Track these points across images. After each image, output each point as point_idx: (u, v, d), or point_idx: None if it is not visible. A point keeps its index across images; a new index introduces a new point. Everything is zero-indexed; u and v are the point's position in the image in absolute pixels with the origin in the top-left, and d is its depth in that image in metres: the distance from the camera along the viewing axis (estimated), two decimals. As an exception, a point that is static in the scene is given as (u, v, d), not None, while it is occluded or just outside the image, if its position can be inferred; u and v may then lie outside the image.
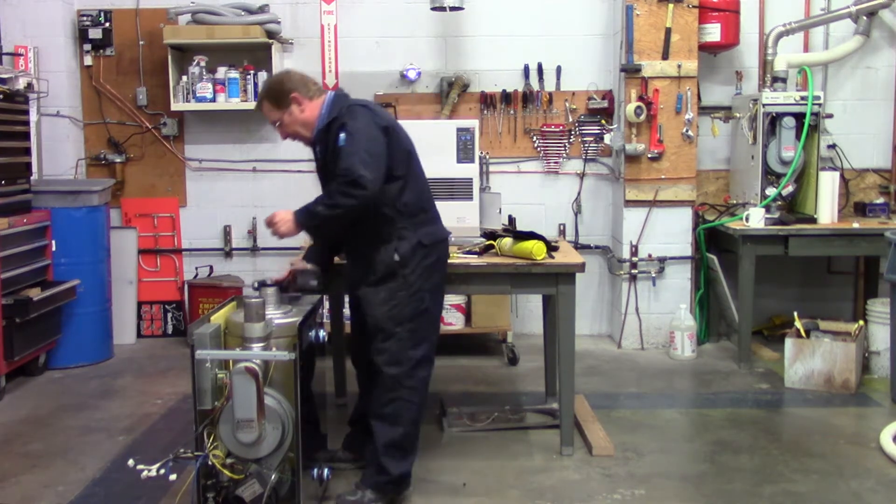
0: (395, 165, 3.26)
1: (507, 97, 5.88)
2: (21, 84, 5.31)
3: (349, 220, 3.24)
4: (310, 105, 3.32)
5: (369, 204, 3.16)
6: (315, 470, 3.23)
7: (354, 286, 3.45)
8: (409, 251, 3.27)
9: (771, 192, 5.31)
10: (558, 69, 5.90)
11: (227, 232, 6.06)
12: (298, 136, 3.40)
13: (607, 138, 5.81)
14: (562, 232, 5.93)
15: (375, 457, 3.29)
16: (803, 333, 4.95)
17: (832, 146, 5.79)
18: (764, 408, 4.58)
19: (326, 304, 5.06)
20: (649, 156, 5.59)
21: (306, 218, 3.25)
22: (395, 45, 5.92)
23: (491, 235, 4.08)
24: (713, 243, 5.64)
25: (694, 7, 5.51)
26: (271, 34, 5.67)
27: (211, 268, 6.01)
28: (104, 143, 6.00)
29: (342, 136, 3.16)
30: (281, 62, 5.85)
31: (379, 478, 3.29)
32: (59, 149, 5.78)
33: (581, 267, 3.78)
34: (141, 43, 5.91)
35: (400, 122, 3.49)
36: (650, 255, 5.68)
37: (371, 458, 3.33)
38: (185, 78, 5.73)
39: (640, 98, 5.53)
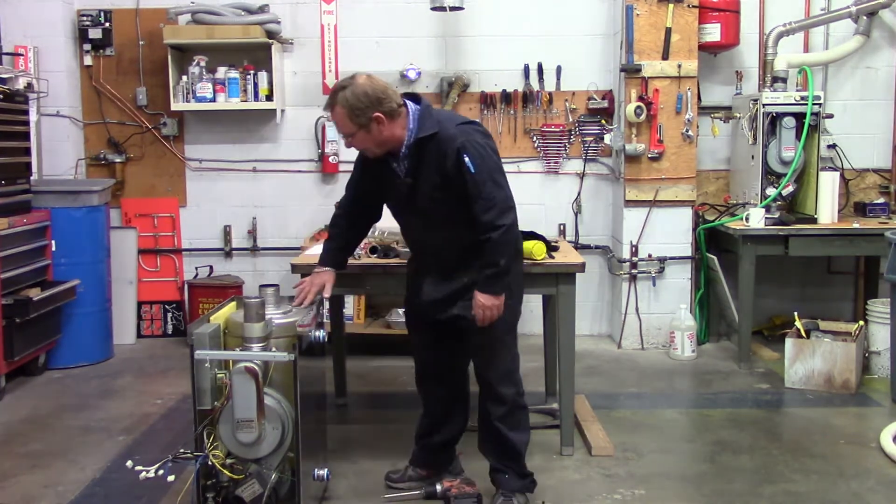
0: None
1: (507, 97, 5.88)
2: (21, 84, 5.31)
3: (451, 237, 3.17)
4: (391, 125, 3.07)
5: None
6: (315, 470, 3.23)
7: (443, 303, 3.27)
8: (512, 256, 3.17)
9: (771, 192, 5.31)
10: (558, 69, 5.90)
11: (226, 232, 6.06)
12: (367, 151, 3.19)
13: (607, 138, 5.81)
14: (562, 232, 5.92)
15: (515, 463, 3.32)
16: (803, 333, 4.95)
17: (832, 146, 5.79)
18: (764, 408, 4.57)
19: (326, 304, 5.06)
20: (649, 156, 5.59)
21: (500, 282, 3.10)
22: (395, 45, 5.92)
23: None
24: (713, 243, 5.64)
25: (694, 7, 5.50)
26: (271, 34, 5.67)
27: (211, 268, 6.01)
28: (104, 143, 6.00)
29: (467, 159, 3.00)
30: (281, 62, 5.86)
31: (524, 481, 3.34)
32: (59, 149, 5.77)
33: (581, 267, 3.77)
34: (141, 43, 5.91)
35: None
36: (650, 255, 5.68)
37: (506, 466, 3.33)
38: (185, 78, 5.73)
39: (640, 98, 5.53)
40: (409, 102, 3.13)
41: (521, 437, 3.33)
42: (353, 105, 2.99)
